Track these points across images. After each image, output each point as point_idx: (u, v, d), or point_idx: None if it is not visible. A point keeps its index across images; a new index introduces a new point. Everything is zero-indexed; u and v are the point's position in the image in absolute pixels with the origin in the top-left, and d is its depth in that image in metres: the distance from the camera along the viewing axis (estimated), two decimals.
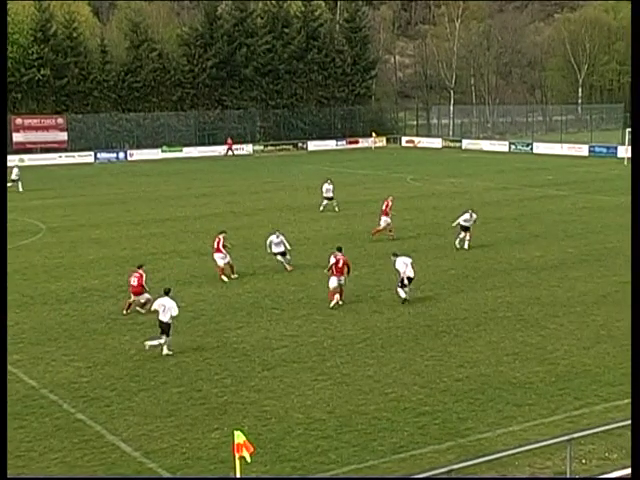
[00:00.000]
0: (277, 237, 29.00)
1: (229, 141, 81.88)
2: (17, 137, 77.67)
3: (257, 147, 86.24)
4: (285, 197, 49.81)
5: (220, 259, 28.14)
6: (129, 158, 79.58)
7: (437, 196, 48.74)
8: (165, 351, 20.43)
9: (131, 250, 33.75)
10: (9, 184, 53.87)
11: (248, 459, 12.49)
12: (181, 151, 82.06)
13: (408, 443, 15.12)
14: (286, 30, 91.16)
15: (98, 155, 78.99)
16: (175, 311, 20.37)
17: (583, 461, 14.17)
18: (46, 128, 79.11)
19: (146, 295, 23.99)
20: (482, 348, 20.42)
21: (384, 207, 35.59)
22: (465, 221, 32.85)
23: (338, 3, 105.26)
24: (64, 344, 21.39)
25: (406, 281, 24.70)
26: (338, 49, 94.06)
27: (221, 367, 19.41)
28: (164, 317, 20.35)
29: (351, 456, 14.67)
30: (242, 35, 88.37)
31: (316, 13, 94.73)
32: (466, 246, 32.63)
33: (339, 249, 25.54)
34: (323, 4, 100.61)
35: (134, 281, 24.02)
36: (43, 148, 78.10)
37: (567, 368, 18.88)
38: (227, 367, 19.40)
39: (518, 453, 13.42)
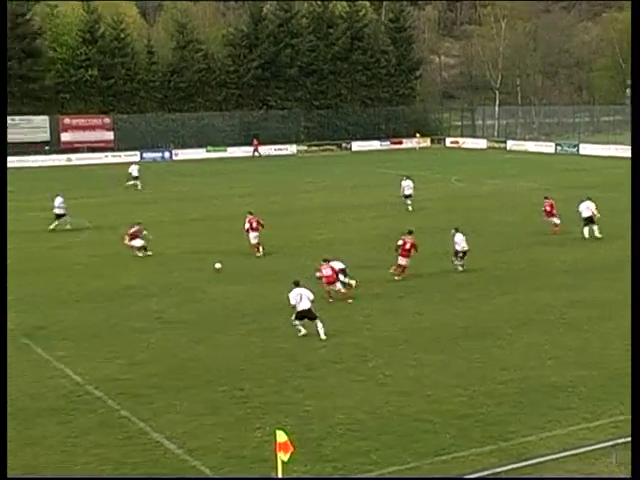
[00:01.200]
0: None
1: (255, 142, 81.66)
2: (65, 137, 78.78)
3: (301, 147, 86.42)
4: (328, 197, 49.85)
5: (254, 238, 31.78)
6: (174, 158, 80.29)
7: (480, 197, 48.41)
8: (323, 335, 21.29)
9: (174, 249, 34.02)
10: (130, 182, 54.53)
11: (285, 459, 12.54)
12: (225, 151, 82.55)
13: (449, 445, 15.05)
14: (330, 30, 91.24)
15: (144, 155, 79.77)
16: (312, 295, 21.58)
17: (629, 467, 13.98)
18: (93, 128, 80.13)
19: None
20: (524, 351, 20.25)
21: (548, 209, 35.68)
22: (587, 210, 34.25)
23: (383, 3, 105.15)
24: (108, 341, 21.65)
25: (461, 254, 28.57)
26: (382, 49, 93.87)
27: (264, 367, 19.50)
28: (304, 305, 21.31)
29: (392, 457, 14.65)
30: (287, 35, 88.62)
31: (361, 13, 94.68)
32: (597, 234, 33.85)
33: (410, 232, 28.19)
34: (368, 4, 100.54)
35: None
36: (90, 147, 79.11)
37: (612, 372, 18.62)
38: (270, 367, 19.48)
39: (562, 457, 13.28)
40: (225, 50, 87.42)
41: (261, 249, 32.11)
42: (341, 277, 25.47)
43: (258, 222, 32.03)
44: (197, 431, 15.92)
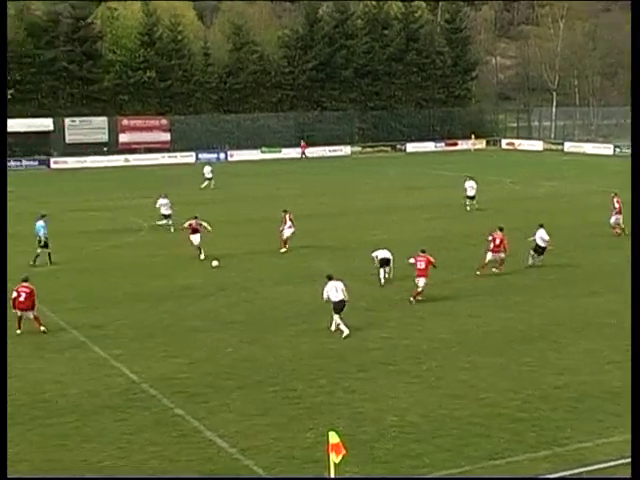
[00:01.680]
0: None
1: (303, 144, 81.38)
2: (122, 137, 79.93)
3: (355, 148, 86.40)
4: (382, 198, 49.75)
5: (288, 232, 32.90)
6: (229, 159, 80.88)
7: (536, 199, 47.85)
8: (345, 331, 21.79)
9: (229, 249, 34.27)
10: (204, 183, 55.41)
11: (336, 460, 12.54)
12: (280, 152, 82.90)
13: (503, 450, 14.91)
14: (386, 32, 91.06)
15: (199, 155, 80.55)
16: (343, 287, 22.07)
17: None
18: (150, 129, 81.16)
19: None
20: (581, 355, 19.96)
21: (617, 205, 35.95)
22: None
23: (439, 4, 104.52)
24: (164, 340, 21.91)
25: (540, 250, 29.87)
26: (438, 50, 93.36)
27: (316, 367, 19.54)
28: (337, 297, 21.77)
29: (445, 460, 14.56)
30: (342, 37, 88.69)
31: (416, 14, 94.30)
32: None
33: (500, 229, 28.83)
34: (424, 5, 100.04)
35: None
36: (147, 148, 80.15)
37: None
38: (322, 367, 19.51)
39: (620, 465, 13.07)
40: (280, 52, 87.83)
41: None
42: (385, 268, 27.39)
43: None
44: (249, 431, 16.02)
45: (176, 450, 15.24)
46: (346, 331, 21.84)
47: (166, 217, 39.07)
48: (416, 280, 25.29)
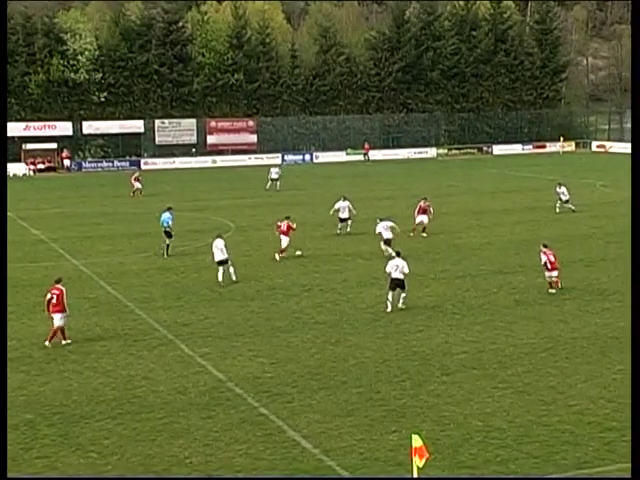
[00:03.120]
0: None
1: (366, 146, 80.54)
2: (210, 139, 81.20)
3: (441, 150, 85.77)
4: (469, 201, 49.25)
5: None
6: (315, 160, 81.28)
7: (627, 204, 46.60)
8: (401, 304, 24.33)
9: (315, 250, 34.44)
10: (268, 184, 56.00)
11: (420, 464, 12.47)
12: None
13: (593, 459, 14.58)
14: (474, 33, 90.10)
15: (285, 157, 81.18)
16: (407, 269, 24.34)
17: None
18: (237, 130, 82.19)
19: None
20: None
21: None
22: None
23: (529, 4, 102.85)
24: (250, 340, 22.16)
25: None
26: (527, 51, 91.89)
27: (400, 370, 19.48)
28: (398, 274, 24.09)
29: (532, 468, 14.33)
30: (429, 38, 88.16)
31: (505, 15, 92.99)
32: None
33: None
34: (513, 5, 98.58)
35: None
36: (234, 150, 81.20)
37: None
38: (406, 370, 19.44)
39: None
40: (367, 53, 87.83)
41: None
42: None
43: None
44: (333, 432, 16.07)
45: (261, 449, 15.40)
46: (389, 307, 24.27)
47: (343, 220, 37.86)
48: (547, 274, 26.47)
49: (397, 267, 24.25)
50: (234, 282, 28.51)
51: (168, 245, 33.71)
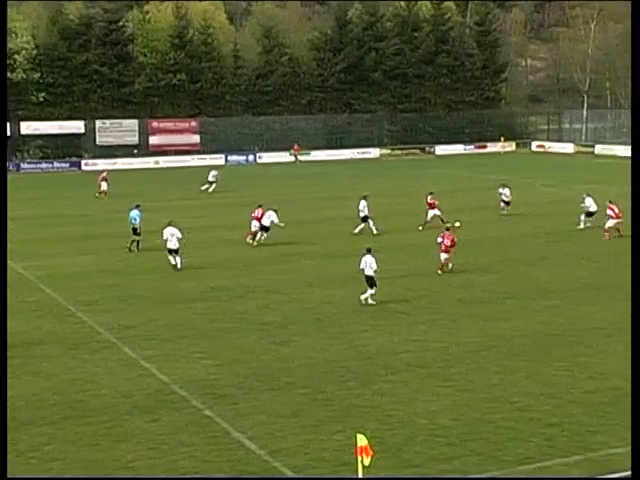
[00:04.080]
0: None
1: (296, 147, 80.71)
2: (153, 140, 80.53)
3: (384, 151, 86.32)
4: (413, 201, 49.59)
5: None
6: (258, 161, 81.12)
7: (568, 202, 47.46)
8: (370, 301, 24.77)
9: (259, 251, 34.38)
10: (204, 186, 55.46)
11: (366, 463, 12.53)
12: (309, 154, 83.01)
13: (535, 454, 14.80)
14: (415, 34, 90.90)
15: (229, 157, 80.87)
16: (375, 265, 24.78)
17: None
18: (180, 131, 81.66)
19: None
20: (614, 361, 19.76)
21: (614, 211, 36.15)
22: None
23: (469, 6, 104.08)
24: (194, 342, 22.01)
25: (590, 214, 36.65)
26: (468, 52, 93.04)
27: (346, 369, 19.53)
28: (369, 272, 24.56)
29: (475, 465, 14.49)
30: (371, 39, 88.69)
31: (446, 16, 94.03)
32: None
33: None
34: (454, 7, 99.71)
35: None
36: (177, 151, 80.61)
37: None
38: (352, 370, 19.50)
39: None
40: (310, 54, 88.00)
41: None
42: None
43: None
44: (279, 432, 16.04)
45: (206, 451, 15.30)
46: (371, 301, 24.83)
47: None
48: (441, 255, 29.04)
49: (369, 264, 24.80)
50: (177, 270, 30.26)
51: (138, 241, 34.71)
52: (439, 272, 29.15)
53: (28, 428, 16.44)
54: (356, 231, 37.36)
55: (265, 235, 35.65)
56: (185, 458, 15.05)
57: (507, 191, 43.19)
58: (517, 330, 22.42)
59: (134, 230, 34.89)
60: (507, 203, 42.91)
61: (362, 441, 12.54)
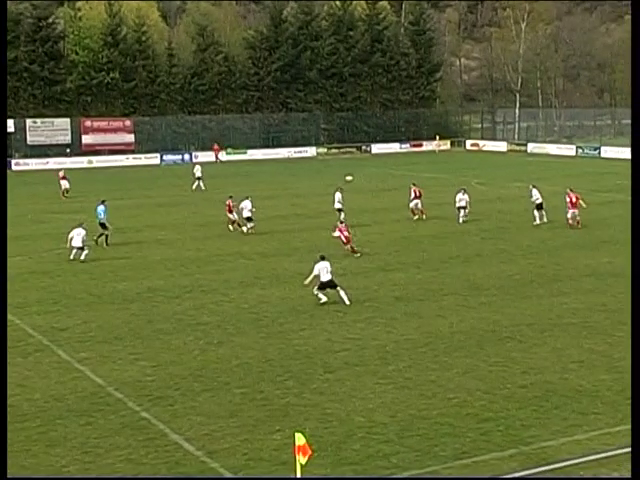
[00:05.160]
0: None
1: (215, 147, 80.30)
2: (86, 139, 79.29)
3: (321, 150, 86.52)
4: (349, 199, 49.75)
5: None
6: (194, 160, 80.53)
7: (502, 200, 48.21)
8: (346, 300, 24.82)
9: (196, 251, 34.13)
10: (194, 184, 55.05)
11: (303, 462, 12.52)
12: (245, 153, 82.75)
13: (471, 449, 14.98)
14: (351, 33, 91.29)
15: (164, 157, 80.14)
16: (330, 269, 24.94)
17: None
18: (114, 130, 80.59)
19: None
20: (547, 355, 20.13)
21: (572, 200, 37.61)
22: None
23: (403, 6, 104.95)
24: (130, 343, 21.73)
25: (538, 206, 37.36)
26: (403, 52, 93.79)
27: (283, 369, 19.50)
28: (326, 277, 24.73)
29: (413, 461, 14.60)
30: (307, 38, 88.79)
31: (381, 16, 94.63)
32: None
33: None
34: (388, 7, 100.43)
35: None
36: (111, 150, 79.55)
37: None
38: (289, 369, 19.48)
39: (583, 463, 13.19)
40: (245, 53, 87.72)
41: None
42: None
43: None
44: (216, 433, 15.93)
45: (143, 454, 15.11)
46: (324, 298, 24.93)
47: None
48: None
49: (326, 269, 24.75)
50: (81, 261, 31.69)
51: (107, 235, 35.67)
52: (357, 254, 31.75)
53: None
54: (342, 218, 37.52)
55: (250, 225, 37.66)
56: (121, 461, 14.84)
57: (466, 197, 40.13)
58: (453, 327, 22.66)
59: (102, 225, 35.71)
60: (464, 208, 39.92)
61: (300, 440, 12.52)
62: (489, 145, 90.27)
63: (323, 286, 24.91)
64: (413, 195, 41.08)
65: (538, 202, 38.72)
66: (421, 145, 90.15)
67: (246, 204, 37.79)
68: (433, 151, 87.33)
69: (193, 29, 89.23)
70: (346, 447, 15.20)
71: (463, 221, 39.61)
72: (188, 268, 30.85)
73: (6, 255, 28.70)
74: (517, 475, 13.64)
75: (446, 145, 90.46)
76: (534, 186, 39.64)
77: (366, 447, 15.18)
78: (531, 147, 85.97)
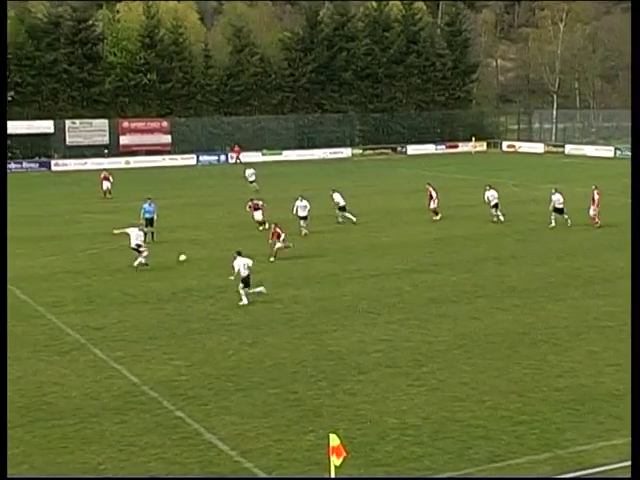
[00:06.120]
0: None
1: (236, 148, 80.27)
2: (123, 140, 79.96)
3: (356, 151, 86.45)
4: (383, 201, 49.71)
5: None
6: (230, 161, 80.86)
7: (537, 202, 47.81)
8: (244, 300, 25.16)
9: (230, 252, 34.19)
10: (253, 185, 54.64)
11: (337, 463, 12.52)
12: (281, 154, 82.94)
13: (505, 452, 14.88)
14: (386, 34, 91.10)
15: (200, 157, 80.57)
16: (250, 263, 25.47)
17: None
18: (151, 131, 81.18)
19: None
20: (582, 358, 19.94)
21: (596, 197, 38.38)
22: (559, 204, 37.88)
23: (439, 6, 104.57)
24: (164, 343, 21.89)
25: (559, 210, 37.19)
26: (438, 53, 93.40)
27: (316, 369, 19.52)
28: (245, 273, 25.17)
29: (446, 463, 14.54)
30: (342, 39, 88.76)
31: (417, 17, 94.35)
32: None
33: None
34: (424, 7, 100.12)
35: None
36: (148, 151, 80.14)
37: None
38: (322, 370, 19.49)
39: (620, 468, 13.05)
40: (281, 54, 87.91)
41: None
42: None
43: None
44: (250, 433, 15.99)
45: (176, 453, 15.21)
46: (245, 301, 25.28)
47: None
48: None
49: (244, 265, 25.31)
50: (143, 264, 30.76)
51: (153, 233, 36.19)
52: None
53: None
54: (340, 220, 40.27)
55: (304, 224, 37.73)
56: (155, 460, 14.95)
57: (493, 193, 40.47)
58: (487, 329, 22.53)
59: (149, 221, 36.51)
60: (495, 206, 40.14)
61: (334, 441, 12.53)
62: (525, 146, 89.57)
63: (244, 282, 25.33)
64: (434, 195, 41.45)
65: (559, 206, 38.42)
66: (457, 146, 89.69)
67: (302, 203, 37.76)
68: (469, 152, 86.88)
69: (229, 30, 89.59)
70: (379, 449, 15.17)
71: (497, 220, 39.78)
72: (222, 269, 30.93)
73: (6, 255, 28.86)
74: (552, 476, 13.53)
75: (482, 146, 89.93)
76: (557, 190, 39.18)
77: (399, 449, 15.14)
78: (568, 148, 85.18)
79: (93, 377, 19.30)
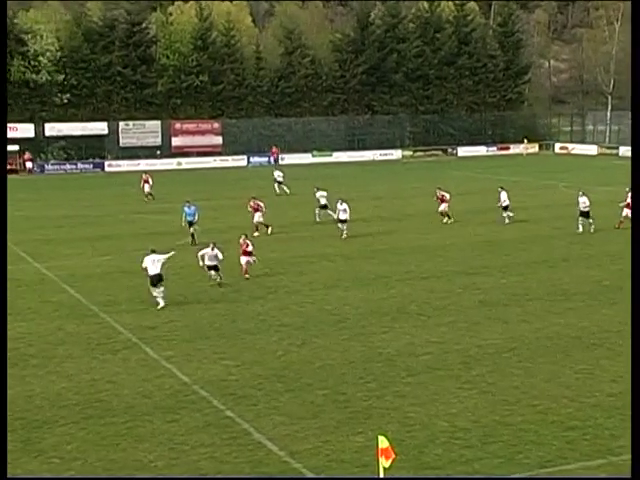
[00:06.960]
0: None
1: (274, 149, 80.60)
2: (175, 141, 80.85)
3: (406, 152, 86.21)
4: (433, 203, 49.44)
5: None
6: (280, 162, 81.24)
7: (591, 204, 47.10)
8: (160, 301, 25.12)
9: (280, 253, 34.41)
10: (283, 188, 55.38)
11: (386, 465, 12.50)
12: (331, 156, 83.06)
13: (556, 458, 14.71)
14: (437, 35, 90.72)
15: (251, 159, 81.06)
16: (162, 260, 25.25)
17: None
18: (202, 132, 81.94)
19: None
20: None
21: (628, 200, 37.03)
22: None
23: (492, 7, 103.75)
24: (215, 342, 22.06)
25: (585, 214, 36.95)
26: (490, 54, 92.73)
27: (365, 371, 19.51)
28: (154, 271, 24.96)
29: (496, 467, 14.42)
30: (393, 41, 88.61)
31: (469, 17, 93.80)
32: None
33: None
34: (477, 8, 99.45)
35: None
36: (199, 152, 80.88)
37: None
38: (371, 371, 19.47)
39: None
40: (332, 55, 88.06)
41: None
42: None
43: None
44: (299, 434, 16.04)
45: (226, 452, 15.33)
46: (162, 303, 25.14)
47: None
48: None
49: (153, 262, 25.15)
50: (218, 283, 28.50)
51: (193, 234, 36.25)
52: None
53: (49, 428, 16.55)
54: (318, 220, 40.88)
55: (343, 227, 37.37)
56: (205, 458, 15.09)
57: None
58: (538, 332, 22.30)
59: (190, 224, 36.68)
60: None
61: (383, 443, 12.51)
62: (578, 148, 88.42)
63: (151, 280, 25.16)
64: (448, 197, 41.45)
65: (585, 209, 37.50)
66: (508, 148, 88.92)
67: (342, 206, 37.38)
68: (520, 154, 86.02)
69: (280, 32, 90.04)
70: (428, 451, 15.11)
71: (508, 222, 40.06)
72: (272, 269, 31.12)
73: (6, 255, 29.18)
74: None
75: (534, 148, 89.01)
76: (583, 193, 38.34)
77: (448, 452, 15.06)
78: (622, 150, 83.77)
79: (145, 376, 19.54)
